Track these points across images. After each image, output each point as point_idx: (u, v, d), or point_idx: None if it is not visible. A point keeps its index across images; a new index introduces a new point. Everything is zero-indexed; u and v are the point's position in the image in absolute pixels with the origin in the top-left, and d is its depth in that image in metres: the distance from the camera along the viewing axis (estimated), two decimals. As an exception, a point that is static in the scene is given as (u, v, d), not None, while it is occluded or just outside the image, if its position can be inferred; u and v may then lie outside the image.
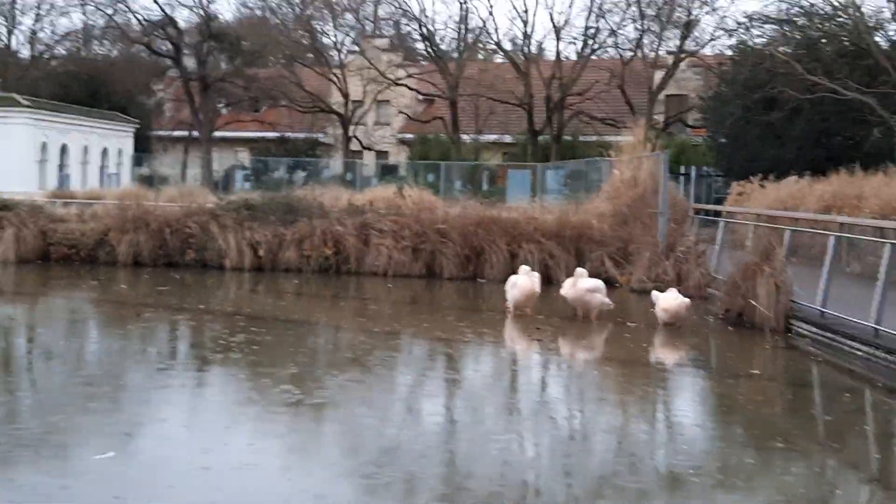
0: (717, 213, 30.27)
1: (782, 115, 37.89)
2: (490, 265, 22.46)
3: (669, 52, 52.16)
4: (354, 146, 57.94)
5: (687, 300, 16.52)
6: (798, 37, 38.26)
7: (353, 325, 16.67)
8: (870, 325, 14.18)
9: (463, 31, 52.73)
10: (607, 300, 17.19)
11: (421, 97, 61.10)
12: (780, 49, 34.41)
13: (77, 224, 22.97)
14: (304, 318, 17.57)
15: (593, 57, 52.65)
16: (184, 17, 59.40)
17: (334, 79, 55.26)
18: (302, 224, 23.00)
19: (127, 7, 54.18)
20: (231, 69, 58.04)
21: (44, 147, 38.04)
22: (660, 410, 11.26)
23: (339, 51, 58.59)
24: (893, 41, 32.33)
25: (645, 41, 51.60)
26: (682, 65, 53.24)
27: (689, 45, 51.13)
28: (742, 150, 39.66)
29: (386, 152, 63.96)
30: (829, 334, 15.26)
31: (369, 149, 59.88)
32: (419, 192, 27.87)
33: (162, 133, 63.90)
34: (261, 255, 22.69)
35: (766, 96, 36.00)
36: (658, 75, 50.84)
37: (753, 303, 16.34)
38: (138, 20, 58.14)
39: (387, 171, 55.33)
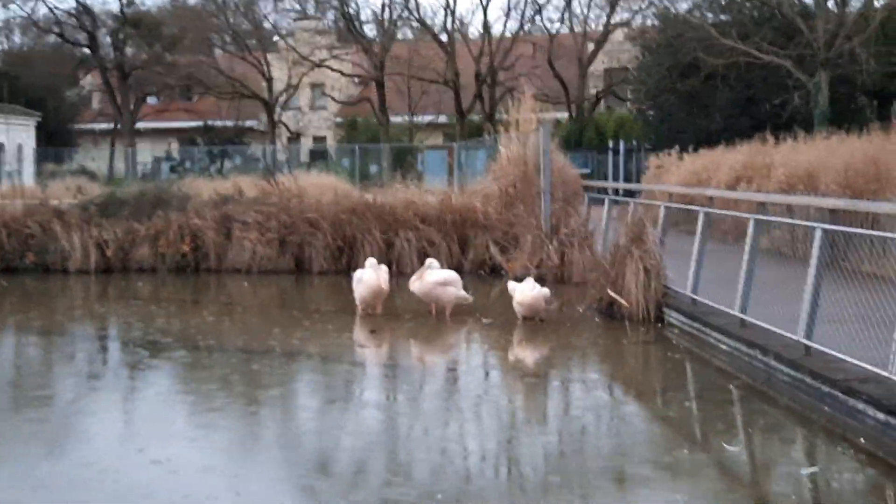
0: (630, 192, 28.43)
1: (707, 85, 36.11)
2: (364, 256, 20.39)
3: (603, 24, 50.23)
4: (286, 133, 55.86)
5: (545, 291, 14.55)
6: (723, 1, 36.45)
7: (213, 340, 14.41)
8: (736, 314, 12.29)
9: (386, 10, 50.53)
10: (463, 293, 15.21)
11: (357, 80, 58.94)
12: (695, 13, 32.45)
13: None
14: (142, 336, 14.30)
15: (522, 32, 50.65)
16: (99, 4, 56.66)
17: (255, 63, 52.96)
18: (157, 219, 20.87)
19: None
20: (150, 56, 55.56)
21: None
22: (435, 427, 9.09)
23: (277, 34, 56.36)
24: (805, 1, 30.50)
25: (576, 13, 49.63)
26: (620, 37, 51.37)
27: (622, 16, 49.13)
28: (668, 121, 37.88)
29: (324, 137, 61.84)
30: (697, 325, 13.39)
31: (300, 135, 57.71)
32: (325, 178, 25.89)
33: (87, 126, 61.46)
34: (109, 254, 20.53)
35: (689, 64, 34.17)
36: (590, 48, 48.97)
37: (612, 293, 14.42)
38: (49, 8, 55.45)
39: (317, 157, 53.25)
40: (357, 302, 15.46)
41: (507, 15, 47.96)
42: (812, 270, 10.48)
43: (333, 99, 55.54)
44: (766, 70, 32.79)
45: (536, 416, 9.68)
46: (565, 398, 10.45)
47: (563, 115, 49.83)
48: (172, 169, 53.64)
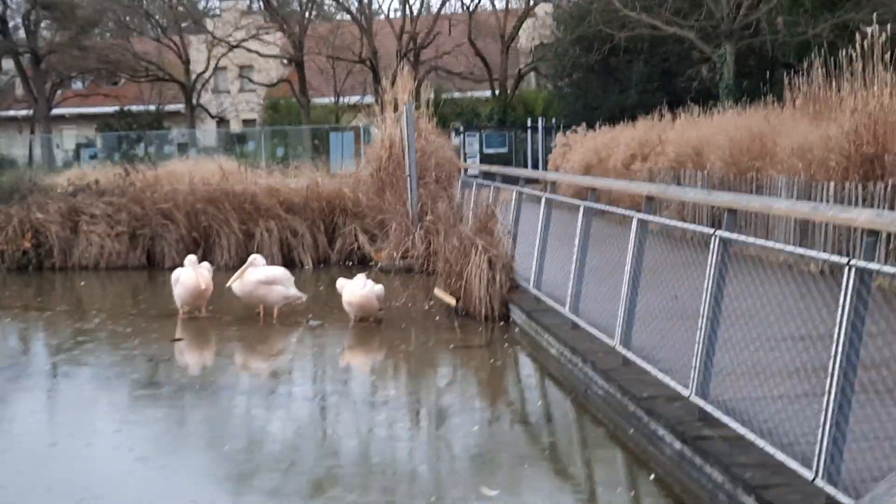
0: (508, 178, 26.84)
1: (622, 59, 34.68)
2: (221, 249, 18.69)
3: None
4: (205, 116, 53.80)
5: (377, 289, 12.89)
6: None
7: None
8: (568, 315, 10.72)
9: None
10: (294, 292, 13.54)
11: (285, 62, 56.84)
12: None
13: None
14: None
15: (444, 9, 48.87)
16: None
17: (172, 45, 50.77)
18: (-2, 213, 18.99)
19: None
20: (64, 40, 53.08)
21: None
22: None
23: (191, 16, 54.14)
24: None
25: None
26: (543, 12, 49.69)
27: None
28: (583, 97, 36.33)
29: (254, 120, 59.75)
30: (535, 325, 11.81)
31: (222, 118, 55.61)
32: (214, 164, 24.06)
33: (9, 114, 58.96)
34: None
35: (601, 38, 32.61)
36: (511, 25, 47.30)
37: (437, 290, 12.83)
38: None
39: (237, 140, 51.22)
40: (177, 304, 13.78)
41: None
42: (628, 266, 8.94)
43: (251, 80, 53.51)
44: (679, 43, 31.34)
45: (298, 442, 8.02)
46: (345, 425, 8.80)
47: (485, 93, 48.25)
48: (93, 156, 51.37)
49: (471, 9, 46.93)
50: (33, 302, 16.44)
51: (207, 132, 54.14)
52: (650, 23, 27.26)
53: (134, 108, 55.37)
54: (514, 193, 14.53)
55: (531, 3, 45.72)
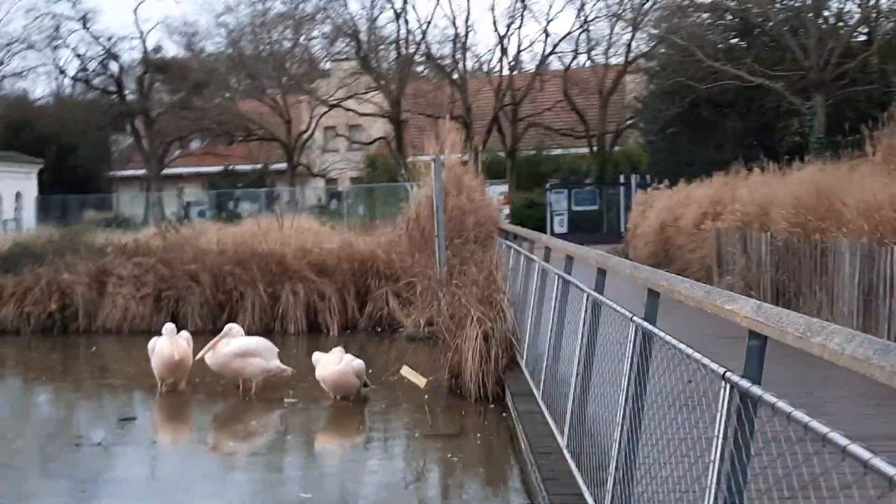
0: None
1: (716, 113, 32.66)
2: (244, 313, 17.56)
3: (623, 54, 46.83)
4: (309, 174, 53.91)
5: (355, 365, 11.42)
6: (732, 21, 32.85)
7: None
8: (539, 402, 9.00)
9: (402, 47, 48.07)
10: (276, 365, 12.21)
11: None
12: (683, 34, 28.95)
13: None
14: None
15: (542, 66, 47.64)
16: (126, 50, 55.64)
17: (274, 105, 50.97)
18: (28, 274, 18.35)
19: (65, 43, 50.67)
20: (175, 101, 54.07)
21: None
22: None
23: (290, 77, 54.36)
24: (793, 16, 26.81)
25: (597, 45, 46.47)
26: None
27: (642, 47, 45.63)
28: (676, 152, 34.29)
29: (362, 178, 59.50)
30: (515, 412, 10.08)
31: (322, 175, 55.49)
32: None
33: (129, 173, 60.39)
34: (-33, 315, 18.05)
35: (685, 90, 30.72)
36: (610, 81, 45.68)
37: (406, 368, 11.21)
38: (78, 56, 54.49)
39: (334, 198, 51.01)
40: (155, 376, 12.61)
41: (519, 51, 44.64)
42: (577, 350, 7.24)
43: (347, 139, 53.25)
44: (775, 96, 29.18)
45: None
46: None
47: (583, 150, 46.59)
48: (201, 213, 51.81)
49: (566, 65, 45.47)
50: (42, 369, 15.57)
51: (309, 190, 54.00)
52: (735, 73, 25.26)
53: (242, 167, 55.86)
54: (521, 257, 12.88)
55: (628, 59, 44.03)
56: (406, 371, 11.56)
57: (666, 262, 22.16)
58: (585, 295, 7.27)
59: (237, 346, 11.99)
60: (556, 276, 9.03)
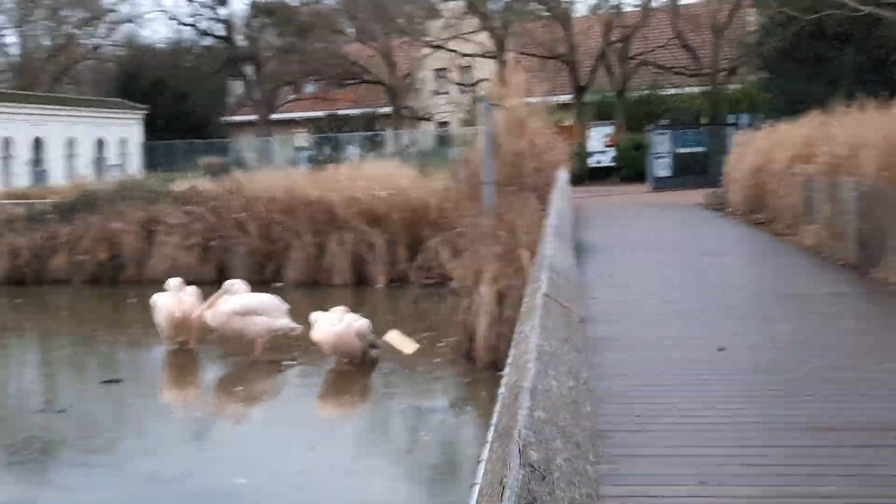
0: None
1: (831, 46, 30.09)
2: (291, 264, 16.75)
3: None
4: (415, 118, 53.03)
5: (358, 325, 10.42)
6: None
7: None
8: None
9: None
10: (283, 323, 11.29)
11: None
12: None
13: None
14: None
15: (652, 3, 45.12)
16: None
17: (379, 48, 50.01)
18: (78, 222, 17.97)
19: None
20: (283, 45, 53.84)
21: (7, 142, 34.71)
22: None
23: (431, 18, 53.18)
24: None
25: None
26: None
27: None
28: (788, 90, 31.82)
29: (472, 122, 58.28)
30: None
31: (427, 119, 54.46)
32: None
33: (238, 119, 60.71)
34: (21, 264, 17.79)
35: (793, 23, 28.26)
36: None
37: (394, 335, 10.08)
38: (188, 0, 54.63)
39: (442, 142, 50.02)
40: (160, 333, 11.90)
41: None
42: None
43: (457, 83, 51.88)
44: (888, 26, 26.56)
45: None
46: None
47: (697, 88, 44.09)
48: (309, 159, 51.66)
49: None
50: (64, 320, 15.13)
51: (418, 134, 53.12)
52: (840, 1, 22.90)
53: (350, 111, 55.38)
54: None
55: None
56: (392, 336, 10.46)
57: (759, 208, 20.44)
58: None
59: (238, 303, 11.13)
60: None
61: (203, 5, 54.12)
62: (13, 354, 12.70)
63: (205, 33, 55.25)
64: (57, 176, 34.02)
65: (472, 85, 49.71)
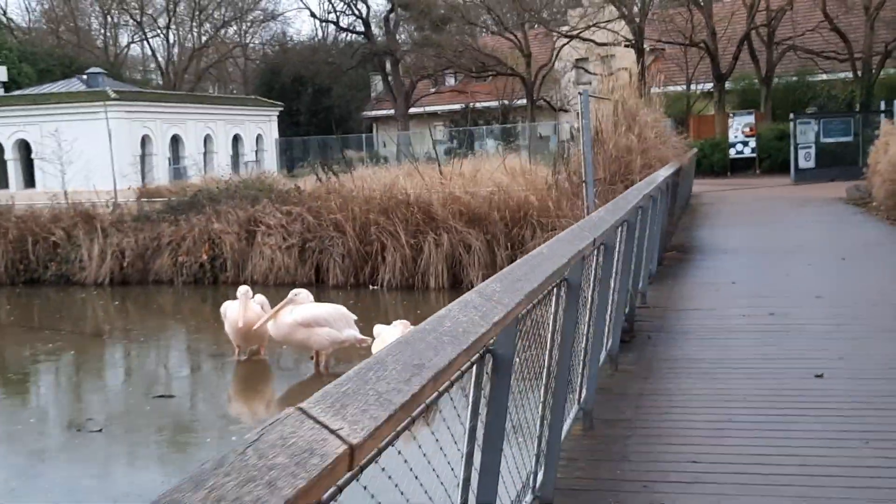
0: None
1: None
2: (386, 266, 16.09)
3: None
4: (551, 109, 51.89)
5: (305, 314, 9.68)
6: None
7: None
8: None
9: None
10: (350, 335, 10.61)
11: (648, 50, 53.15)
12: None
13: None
14: None
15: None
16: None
17: (514, 40, 49.18)
18: (182, 223, 17.82)
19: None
20: (419, 39, 53.69)
21: (146, 140, 35.45)
22: None
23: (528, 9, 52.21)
24: None
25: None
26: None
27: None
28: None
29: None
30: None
31: (565, 110, 53.17)
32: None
33: (379, 114, 61.04)
34: (125, 265, 17.74)
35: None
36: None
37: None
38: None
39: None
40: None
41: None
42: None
43: (586, 71, 50.43)
44: None
45: None
46: None
47: (848, 74, 41.33)
48: (447, 151, 51.31)
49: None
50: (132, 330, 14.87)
51: (561, 125, 51.96)
52: None
53: (487, 104, 54.78)
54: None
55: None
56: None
57: (902, 204, 18.65)
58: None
59: (301, 314, 10.48)
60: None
61: (342, 1, 54.46)
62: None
63: (345, 30, 55.67)
64: (194, 173, 34.56)
65: (611, 75, 48.21)
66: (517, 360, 3.70)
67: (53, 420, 9.03)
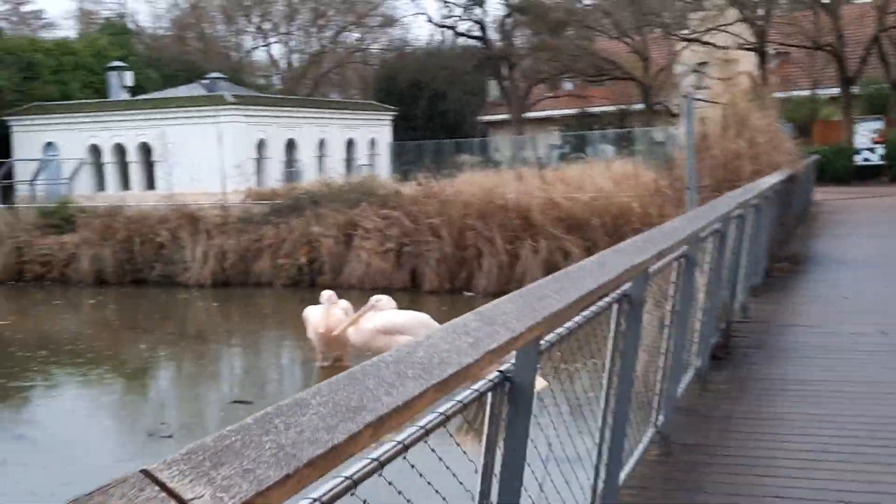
0: None
1: None
2: (482, 272, 15.68)
3: None
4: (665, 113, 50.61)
5: (380, 322, 9.25)
6: None
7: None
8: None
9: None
10: (433, 344, 10.27)
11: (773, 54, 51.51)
12: None
13: (53, 238, 19.53)
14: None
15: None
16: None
17: (631, 42, 48.27)
18: (282, 226, 17.79)
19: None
20: (535, 43, 53.30)
21: (262, 144, 35.84)
22: None
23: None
24: None
25: None
26: None
27: None
28: None
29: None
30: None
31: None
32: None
33: (495, 118, 60.81)
34: (226, 266, 17.80)
35: None
36: None
37: None
38: (445, 2, 55.44)
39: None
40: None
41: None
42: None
43: (706, 75, 48.92)
44: None
45: None
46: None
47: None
48: (560, 156, 50.77)
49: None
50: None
51: (670, 131, 50.76)
52: None
53: (603, 108, 53.93)
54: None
55: None
56: None
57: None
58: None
59: (381, 321, 10.17)
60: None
61: (459, 6, 54.41)
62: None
63: (462, 34, 55.58)
64: (308, 176, 34.89)
65: (730, 79, 46.73)
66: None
67: (130, 423, 8.93)
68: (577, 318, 3.50)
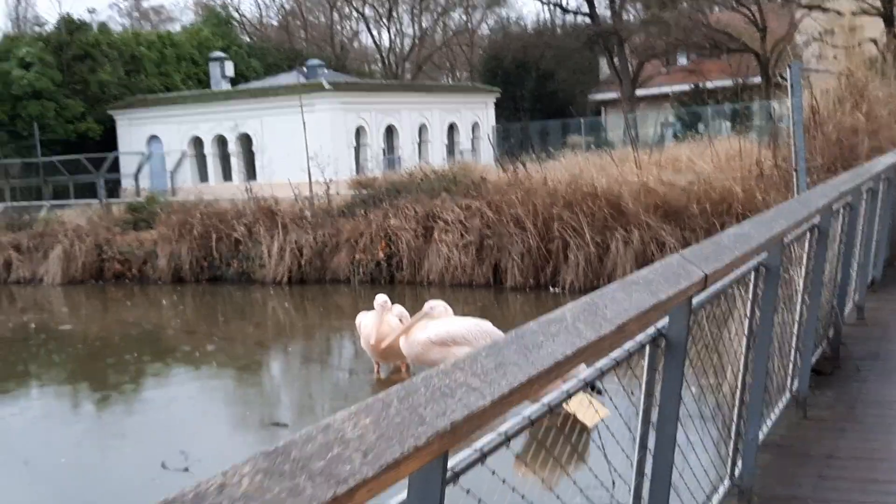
0: None
1: None
2: (568, 266, 14.35)
3: None
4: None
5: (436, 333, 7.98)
6: None
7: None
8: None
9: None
10: (494, 356, 9.07)
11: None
12: None
13: (133, 235, 19.00)
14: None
15: None
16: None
17: (747, 12, 45.85)
18: (360, 219, 16.81)
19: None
20: (646, 17, 51.36)
21: (360, 131, 35.03)
22: None
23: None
24: None
25: None
26: None
27: None
28: None
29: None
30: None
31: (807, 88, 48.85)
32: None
33: (608, 97, 59.06)
34: (302, 263, 16.92)
35: None
36: None
37: (576, 405, 7.31)
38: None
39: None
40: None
41: None
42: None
43: (829, 44, 45.98)
44: None
45: None
46: None
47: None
48: (675, 135, 48.72)
49: None
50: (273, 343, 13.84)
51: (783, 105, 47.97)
52: None
53: (719, 83, 51.55)
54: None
55: None
56: (576, 403, 7.74)
57: None
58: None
59: (436, 331, 8.98)
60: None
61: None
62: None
63: (570, 11, 53.94)
64: (409, 163, 33.96)
65: (853, 48, 43.79)
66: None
67: (148, 450, 8.02)
68: (723, 281, 3.67)
